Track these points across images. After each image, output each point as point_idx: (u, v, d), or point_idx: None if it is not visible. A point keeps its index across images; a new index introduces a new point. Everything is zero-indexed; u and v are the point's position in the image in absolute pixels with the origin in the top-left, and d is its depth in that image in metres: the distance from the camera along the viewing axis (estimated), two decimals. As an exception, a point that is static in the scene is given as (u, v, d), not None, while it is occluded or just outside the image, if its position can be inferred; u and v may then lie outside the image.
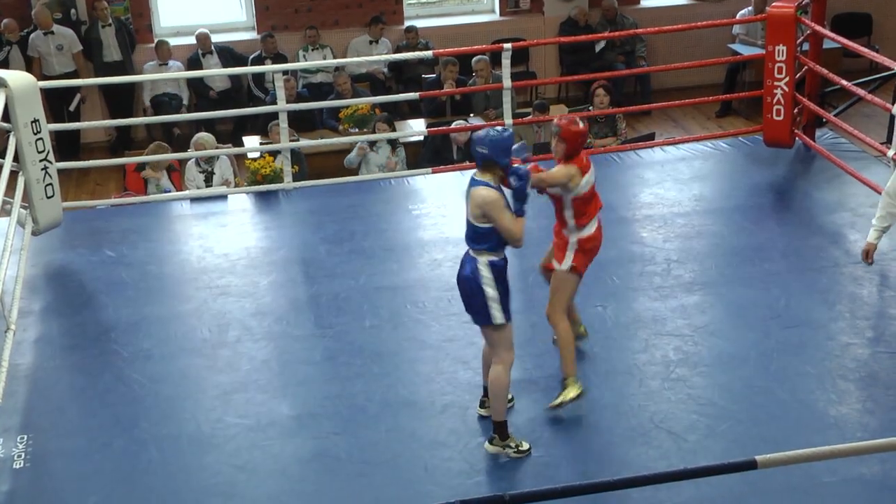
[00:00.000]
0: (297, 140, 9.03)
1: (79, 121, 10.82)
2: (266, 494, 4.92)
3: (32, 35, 11.06)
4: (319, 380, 5.71)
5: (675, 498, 4.67)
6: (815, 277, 6.50)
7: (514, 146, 4.89)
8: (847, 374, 5.55)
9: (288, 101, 8.54)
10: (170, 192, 8.90)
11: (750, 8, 11.59)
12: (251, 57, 11.49)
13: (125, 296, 6.62)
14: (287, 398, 5.57)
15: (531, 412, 5.32)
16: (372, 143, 9.20)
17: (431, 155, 9.53)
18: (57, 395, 5.72)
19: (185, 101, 11.45)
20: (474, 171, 4.85)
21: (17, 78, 6.84)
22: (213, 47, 11.46)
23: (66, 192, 8.77)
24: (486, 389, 5.21)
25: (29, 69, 10.26)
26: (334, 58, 11.61)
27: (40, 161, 6.89)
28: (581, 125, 5.17)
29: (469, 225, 4.84)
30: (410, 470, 5.00)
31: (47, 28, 11.03)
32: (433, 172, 8.30)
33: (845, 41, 7.77)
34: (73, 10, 11.40)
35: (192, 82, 11.50)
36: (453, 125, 9.24)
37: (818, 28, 8.00)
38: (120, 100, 11.29)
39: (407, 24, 12.02)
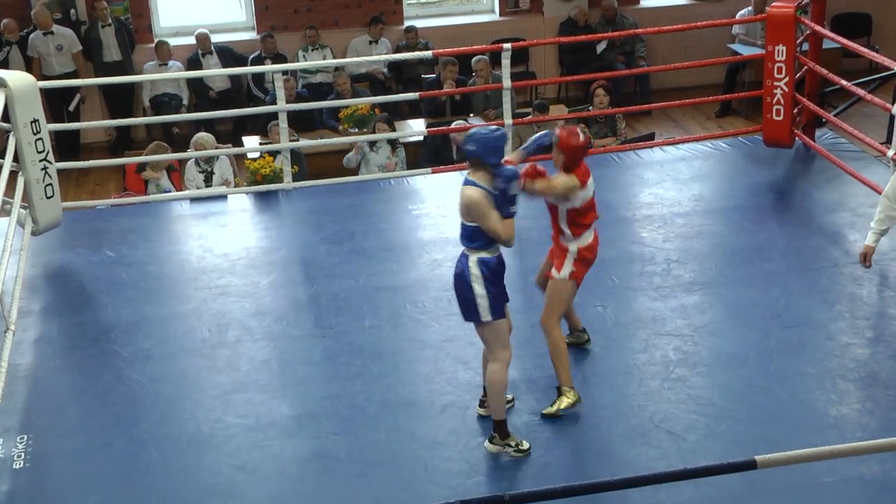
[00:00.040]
0: (297, 140, 9.03)
1: (78, 121, 10.83)
2: (266, 494, 4.92)
3: (32, 35, 11.06)
4: (319, 380, 5.71)
5: (674, 498, 4.67)
6: (815, 277, 6.50)
7: (538, 133, 4.91)
8: (847, 374, 5.55)
9: (288, 101, 8.54)
10: (170, 192, 8.90)
11: (750, 8, 11.59)
12: (251, 57, 11.49)
13: (125, 296, 6.62)
14: (287, 398, 5.57)
15: (531, 412, 5.32)
16: (372, 143, 9.20)
17: (431, 155, 9.53)
18: (57, 395, 5.72)
19: (185, 101, 11.45)
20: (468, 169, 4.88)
21: (17, 78, 6.84)
22: (212, 47, 11.46)
23: (66, 193, 8.78)
24: (485, 389, 5.21)
25: (29, 69, 10.27)
26: (334, 58, 11.61)
27: (40, 161, 6.89)
28: (581, 138, 5.11)
29: (460, 223, 4.87)
30: (410, 470, 5.00)
31: (47, 28, 11.03)
32: (433, 172, 8.30)
33: (845, 41, 7.77)
34: (72, 11, 11.39)
35: (191, 82, 11.49)
36: (453, 125, 9.24)
37: (818, 28, 8.00)
38: (120, 100, 11.29)
39: (407, 24, 12.02)
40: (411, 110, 11.19)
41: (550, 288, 5.28)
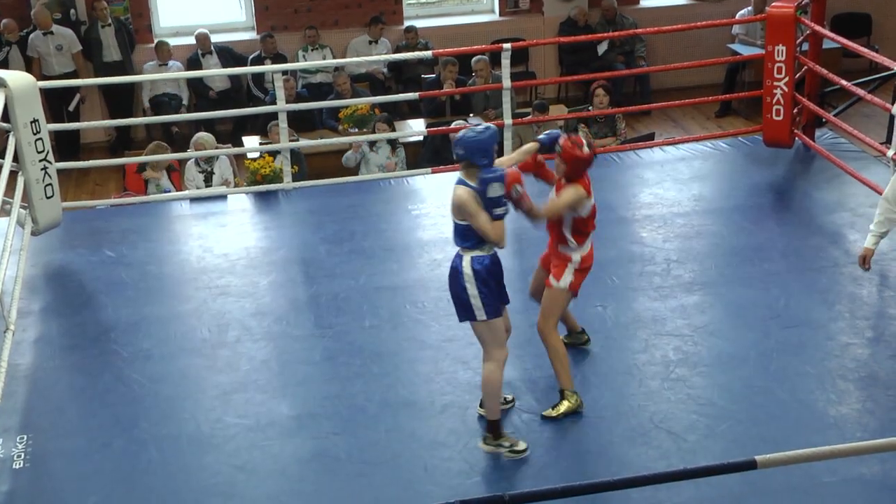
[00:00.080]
0: (297, 140, 9.03)
1: (78, 121, 10.83)
2: (266, 494, 4.92)
3: (32, 35, 11.06)
4: (319, 380, 5.71)
5: (674, 498, 4.67)
6: (815, 277, 6.50)
7: (548, 131, 4.91)
8: (847, 374, 5.55)
9: (287, 101, 8.54)
10: (170, 192, 8.90)
11: (749, 8, 11.59)
12: (251, 57, 11.49)
13: (125, 296, 6.62)
14: (287, 398, 5.57)
15: (531, 412, 5.31)
16: (372, 143, 9.20)
17: (431, 155, 9.53)
18: (56, 395, 5.72)
19: (185, 101, 11.45)
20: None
21: (17, 78, 6.84)
22: (212, 47, 11.46)
23: (66, 193, 8.78)
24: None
25: (28, 69, 10.27)
26: (334, 58, 11.61)
27: (40, 161, 6.89)
28: (585, 151, 5.06)
29: (453, 222, 4.89)
30: (410, 470, 5.00)
31: (47, 28, 11.03)
32: (433, 172, 8.30)
33: (845, 41, 7.77)
34: (72, 11, 11.39)
35: (191, 82, 11.50)
36: (453, 125, 9.23)
37: (818, 28, 8.00)
38: (119, 100, 11.28)
39: (406, 24, 12.02)
40: (411, 110, 11.19)
41: (548, 296, 5.25)
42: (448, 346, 5.88)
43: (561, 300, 5.26)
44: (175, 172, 9.17)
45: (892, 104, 7.67)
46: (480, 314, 4.88)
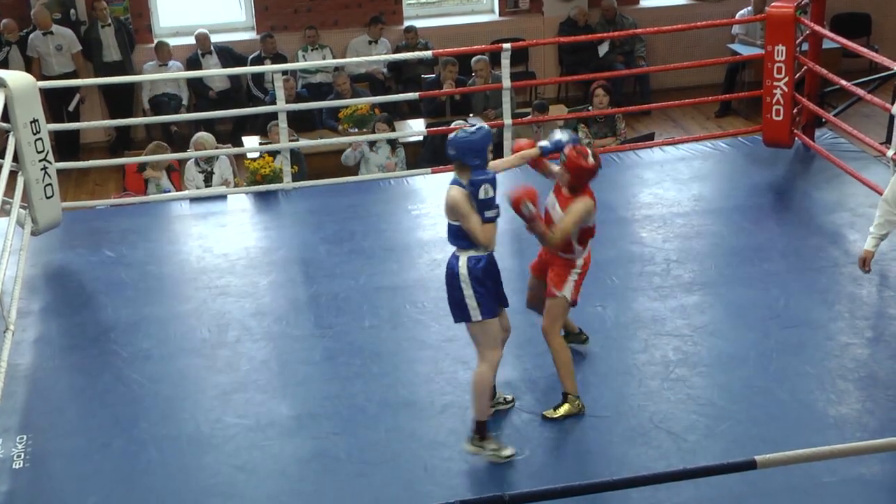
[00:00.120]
0: (297, 140, 9.03)
1: (78, 121, 10.83)
2: (266, 494, 4.92)
3: (32, 35, 11.06)
4: (319, 380, 5.71)
5: (674, 498, 4.67)
6: (815, 277, 6.49)
7: (553, 139, 4.93)
8: (847, 374, 5.55)
9: (287, 101, 8.54)
10: (169, 192, 8.90)
11: (749, 8, 11.59)
12: (250, 57, 11.49)
13: (124, 296, 6.62)
14: (286, 398, 5.57)
15: (531, 412, 5.31)
16: (372, 143, 9.20)
17: (431, 155, 9.53)
18: (56, 395, 5.71)
19: (185, 101, 11.45)
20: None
21: (17, 78, 6.83)
22: (212, 47, 11.46)
23: (66, 193, 8.78)
24: (494, 390, 5.19)
25: (28, 69, 10.27)
26: (334, 58, 11.61)
27: (39, 161, 6.89)
28: (591, 162, 5.01)
29: (447, 223, 4.89)
30: (410, 470, 5.00)
31: (46, 28, 11.03)
32: (433, 172, 8.29)
33: (845, 41, 7.77)
34: (72, 11, 11.40)
35: (191, 82, 11.49)
36: (453, 125, 9.22)
37: (817, 28, 8.00)
38: (119, 100, 11.29)
39: (406, 24, 12.02)
40: (411, 110, 11.19)
41: (553, 304, 5.21)
42: (448, 346, 5.88)
43: (563, 307, 5.26)
44: (175, 172, 9.17)
45: (892, 104, 7.68)
46: (476, 315, 4.87)
